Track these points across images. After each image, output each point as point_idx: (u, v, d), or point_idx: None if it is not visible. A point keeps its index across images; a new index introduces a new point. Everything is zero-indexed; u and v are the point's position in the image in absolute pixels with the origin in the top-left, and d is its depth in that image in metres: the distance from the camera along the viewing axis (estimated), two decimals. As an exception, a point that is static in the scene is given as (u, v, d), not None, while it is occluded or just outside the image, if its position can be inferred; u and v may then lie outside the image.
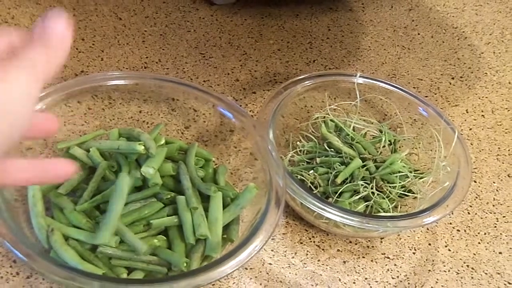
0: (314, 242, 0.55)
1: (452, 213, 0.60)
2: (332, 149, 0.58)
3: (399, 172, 0.55)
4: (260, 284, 0.51)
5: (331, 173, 0.55)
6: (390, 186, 0.55)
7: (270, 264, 0.53)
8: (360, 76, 0.61)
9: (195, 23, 0.77)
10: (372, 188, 0.54)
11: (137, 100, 0.64)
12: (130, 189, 0.50)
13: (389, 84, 0.61)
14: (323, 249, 0.55)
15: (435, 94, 0.74)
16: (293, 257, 0.54)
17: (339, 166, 0.56)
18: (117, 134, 0.55)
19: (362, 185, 0.54)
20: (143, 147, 0.50)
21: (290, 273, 0.52)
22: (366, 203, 0.54)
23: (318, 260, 0.54)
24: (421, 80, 0.75)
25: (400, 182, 0.55)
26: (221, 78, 0.70)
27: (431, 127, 0.58)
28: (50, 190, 0.50)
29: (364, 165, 0.56)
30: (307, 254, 0.54)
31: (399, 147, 0.61)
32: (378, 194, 0.54)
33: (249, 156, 0.61)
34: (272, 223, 0.46)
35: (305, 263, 0.53)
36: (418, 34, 0.83)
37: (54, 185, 0.50)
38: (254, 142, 0.54)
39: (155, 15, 0.77)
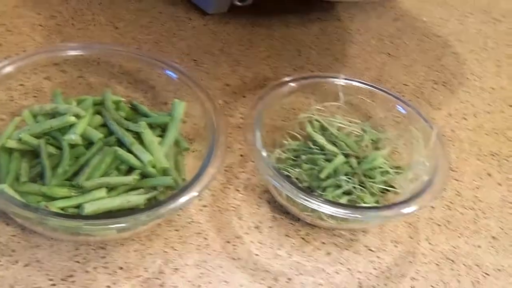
0: (299, 235, 0.58)
1: (433, 208, 0.62)
2: (317, 147, 0.60)
3: (380, 168, 0.58)
4: (247, 273, 0.53)
5: (315, 169, 0.58)
6: (371, 181, 0.58)
7: (257, 255, 0.55)
8: (343, 78, 0.64)
9: (188, 31, 0.81)
10: (354, 183, 0.57)
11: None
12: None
13: (371, 86, 0.64)
14: (308, 242, 0.57)
15: (419, 98, 0.77)
16: (279, 249, 0.56)
17: (323, 162, 0.58)
18: (31, 116, 0.56)
19: (344, 180, 0.57)
20: (73, 117, 0.54)
21: (276, 263, 0.55)
22: (348, 197, 0.57)
23: (303, 252, 0.56)
24: (405, 85, 0.78)
25: (381, 178, 0.57)
26: (212, 83, 0.73)
27: (411, 126, 0.61)
28: (12, 183, 0.53)
29: (347, 162, 0.59)
30: (292, 246, 0.56)
31: (382, 146, 0.63)
32: (360, 189, 0.57)
33: (240, 157, 0.64)
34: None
35: (290, 254, 0.56)
36: (404, 42, 0.87)
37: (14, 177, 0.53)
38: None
39: (150, 24, 0.81)
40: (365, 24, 0.89)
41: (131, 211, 0.50)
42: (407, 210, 0.52)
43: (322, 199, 0.52)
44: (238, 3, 0.80)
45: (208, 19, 0.83)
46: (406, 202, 0.53)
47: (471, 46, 0.89)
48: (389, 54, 0.84)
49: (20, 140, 0.54)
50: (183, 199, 0.48)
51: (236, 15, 0.85)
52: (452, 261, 0.58)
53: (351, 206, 0.55)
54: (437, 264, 0.57)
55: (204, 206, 0.59)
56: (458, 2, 1.00)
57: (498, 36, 0.92)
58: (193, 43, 0.79)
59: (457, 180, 0.66)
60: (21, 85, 0.64)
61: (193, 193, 0.49)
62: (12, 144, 0.54)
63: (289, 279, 0.54)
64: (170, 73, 0.62)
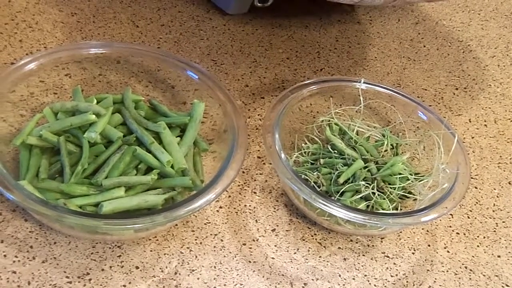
0: (316, 239, 0.57)
1: (452, 216, 0.62)
2: (336, 151, 0.60)
3: (400, 174, 0.58)
4: (263, 276, 0.53)
5: (334, 173, 0.58)
6: (390, 187, 0.57)
7: (273, 258, 0.55)
8: (364, 83, 0.63)
9: (208, 31, 0.80)
10: (373, 189, 0.56)
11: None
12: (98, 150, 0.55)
13: (392, 91, 0.63)
14: (324, 246, 0.57)
15: (439, 103, 0.76)
16: (295, 253, 0.56)
17: (342, 167, 0.58)
18: (51, 113, 0.57)
19: (363, 185, 0.56)
20: (94, 116, 0.54)
21: (292, 267, 0.54)
22: (366, 202, 0.56)
23: (320, 257, 0.56)
24: (426, 90, 0.78)
25: (400, 184, 0.57)
26: (231, 84, 0.73)
27: (432, 132, 0.60)
28: (32, 179, 0.53)
29: (366, 167, 0.58)
30: (309, 251, 0.56)
31: (402, 152, 0.63)
32: (379, 195, 0.56)
33: (257, 159, 0.64)
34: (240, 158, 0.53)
35: (306, 259, 0.55)
36: (424, 46, 0.86)
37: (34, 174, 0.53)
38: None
39: (171, 23, 0.81)
40: (385, 27, 0.88)
41: (148, 211, 0.51)
42: (426, 218, 0.52)
43: (340, 204, 0.52)
44: (258, 4, 0.80)
45: (228, 19, 0.83)
46: (425, 209, 0.52)
47: (493, 51, 0.88)
48: (409, 58, 0.83)
49: (40, 137, 0.54)
50: (201, 201, 0.48)
51: (256, 16, 0.84)
52: (471, 270, 0.57)
53: (369, 212, 0.54)
54: (456, 273, 0.56)
55: (221, 207, 0.58)
56: (479, 6, 0.99)
57: (521, 42, 0.91)
58: (213, 43, 0.79)
59: (477, 188, 0.65)
60: (42, 81, 0.64)
61: (211, 196, 0.49)
62: (32, 140, 0.54)
63: (305, 284, 0.53)
64: (190, 73, 0.62)
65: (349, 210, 0.51)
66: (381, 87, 0.64)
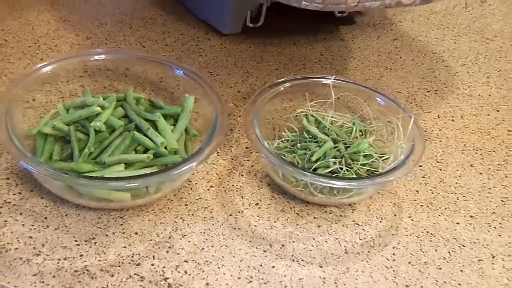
0: (294, 210, 0.65)
1: (417, 192, 0.69)
2: (311, 136, 0.69)
3: (365, 152, 0.66)
4: (246, 239, 0.61)
5: (308, 153, 0.66)
6: (357, 164, 0.65)
7: (255, 226, 0.63)
8: (334, 79, 0.73)
9: (207, 49, 0.91)
10: (340, 164, 0.64)
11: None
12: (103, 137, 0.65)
13: (358, 85, 0.72)
14: (301, 216, 0.65)
15: (411, 103, 0.84)
16: (275, 222, 0.64)
17: (315, 148, 0.66)
18: (63, 109, 0.67)
19: (332, 161, 0.65)
20: (99, 108, 0.64)
21: (271, 232, 0.62)
22: (335, 175, 0.64)
23: (297, 224, 0.64)
24: (399, 92, 0.87)
25: (365, 160, 0.65)
26: (225, 90, 0.83)
27: (392, 116, 0.69)
28: (46, 161, 0.63)
29: (336, 147, 0.66)
30: (287, 220, 0.64)
31: (370, 137, 0.71)
32: (347, 170, 0.65)
33: (246, 149, 0.73)
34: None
35: (285, 226, 0.63)
36: (400, 57, 0.95)
37: (48, 157, 0.63)
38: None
39: (173, 43, 0.92)
40: (366, 43, 0.98)
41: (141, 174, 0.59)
42: (380, 180, 0.60)
43: (309, 172, 0.60)
44: (250, 25, 0.91)
45: (225, 39, 0.94)
46: (383, 174, 0.60)
47: (463, 61, 0.97)
48: (386, 67, 0.92)
49: (53, 127, 0.64)
50: (184, 167, 0.57)
51: (250, 36, 0.95)
52: (432, 234, 0.64)
53: (334, 177, 0.62)
54: (418, 237, 0.63)
55: (211, 186, 0.67)
56: (453, 24, 1.08)
57: (489, 53, 1.00)
58: (210, 59, 0.89)
59: (441, 170, 0.73)
60: (59, 91, 0.75)
61: (193, 164, 0.58)
62: (47, 130, 0.64)
63: (283, 245, 0.61)
64: (179, 72, 0.72)
65: (319, 177, 0.59)
66: (349, 82, 0.73)
